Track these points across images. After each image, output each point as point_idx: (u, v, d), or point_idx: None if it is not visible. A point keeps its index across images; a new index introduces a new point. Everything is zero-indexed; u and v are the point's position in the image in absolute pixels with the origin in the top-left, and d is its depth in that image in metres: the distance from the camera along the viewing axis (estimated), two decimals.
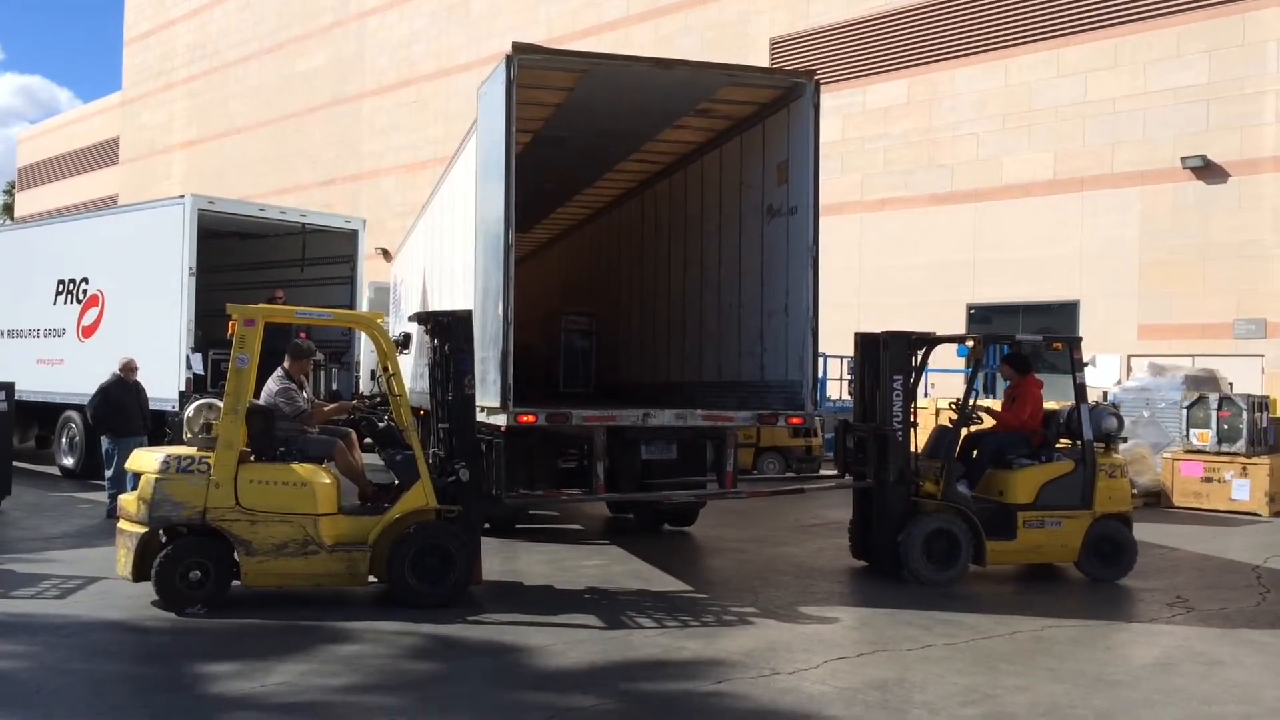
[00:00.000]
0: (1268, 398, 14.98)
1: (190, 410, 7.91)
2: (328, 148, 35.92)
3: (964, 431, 9.36)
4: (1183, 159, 18.25)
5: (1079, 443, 9.21)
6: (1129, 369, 18.12)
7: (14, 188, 62.64)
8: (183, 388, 13.26)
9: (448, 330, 7.95)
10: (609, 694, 5.84)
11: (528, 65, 8.46)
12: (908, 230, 21.53)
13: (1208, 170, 18.16)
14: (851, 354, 9.99)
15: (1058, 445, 9.44)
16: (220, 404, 7.67)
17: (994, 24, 20.79)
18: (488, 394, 8.37)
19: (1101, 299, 19.11)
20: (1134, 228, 18.97)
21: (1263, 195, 17.77)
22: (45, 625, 7.05)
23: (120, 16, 47.51)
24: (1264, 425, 14.01)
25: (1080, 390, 9.27)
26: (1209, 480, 13.91)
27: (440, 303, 11.04)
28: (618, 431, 9.04)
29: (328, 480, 7.68)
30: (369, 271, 18.38)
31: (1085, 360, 9.63)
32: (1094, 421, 9.20)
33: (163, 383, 13.09)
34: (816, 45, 23.15)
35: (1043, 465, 9.16)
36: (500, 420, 8.37)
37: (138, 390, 12.11)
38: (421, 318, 8.31)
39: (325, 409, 8.72)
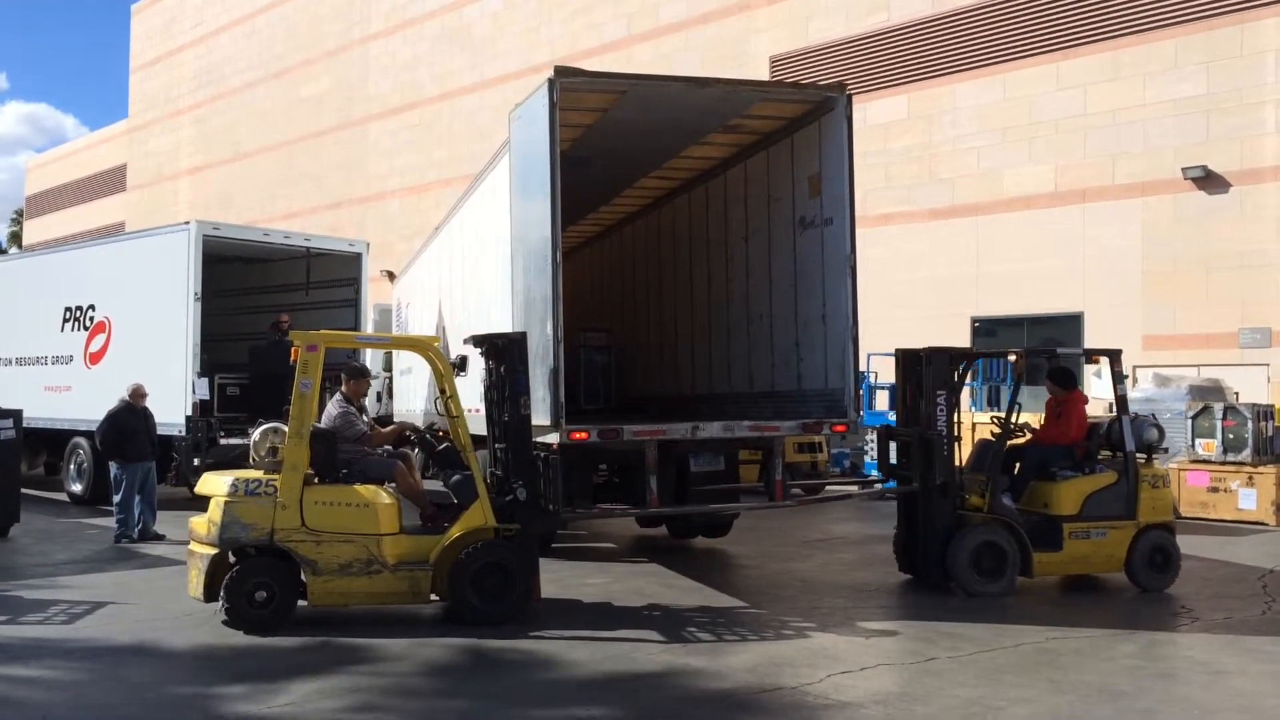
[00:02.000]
0: (1273, 406, 14.94)
1: (256, 434, 8.12)
2: (334, 171, 36.13)
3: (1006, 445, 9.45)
4: (1184, 169, 18.26)
5: (1117, 454, 9.33)
6: (1134, 379, 18.08)
7: (22, 216, 63.04)
8: (189, 412, 13.34)
9: (503, 352, 8.09)
10: (612, 707, 5.87)
11: (568, 88, 8.57)
12: (910, 245, 21.56)
13: (1209, 180, 18.18)
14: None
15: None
16: (285, 428, 7.87)
17: (992, 38, 20.88)
18: (537, 412, 8.41)
19: (1105, 310, 19.11)
20: (1136, 239, 18.97)
21: (1265, 205, 17.77)
22: (53, 650, 7.10)
23: (125, 44, 47.99)
24: (1270, 434, 13.98)
25: (1121, 402, 9.40)
26: (1215, 490, 13.89)
27: (468, 323, 11.08)
28: (665, 445, 9.08)
29: (389, 501, 7.87)
30: (374, 294, 18.48)
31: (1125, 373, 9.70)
32: (1135, 433, 9.32)
33: (169, 408, 13.17)
34: (817, 62, 23.26)
35: (1086, 477, 9.26)
36: (553, 438, 8.42)
37: (146, 416, 12.18)
38: (477, 340, 8.40)
39: (384, 431, 8.88)
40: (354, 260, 15.83)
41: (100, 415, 12.11)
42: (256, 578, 7.58)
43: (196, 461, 13.26)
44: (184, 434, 13.32)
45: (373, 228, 32.46)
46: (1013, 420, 9.43)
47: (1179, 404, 14.62)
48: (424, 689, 6.39)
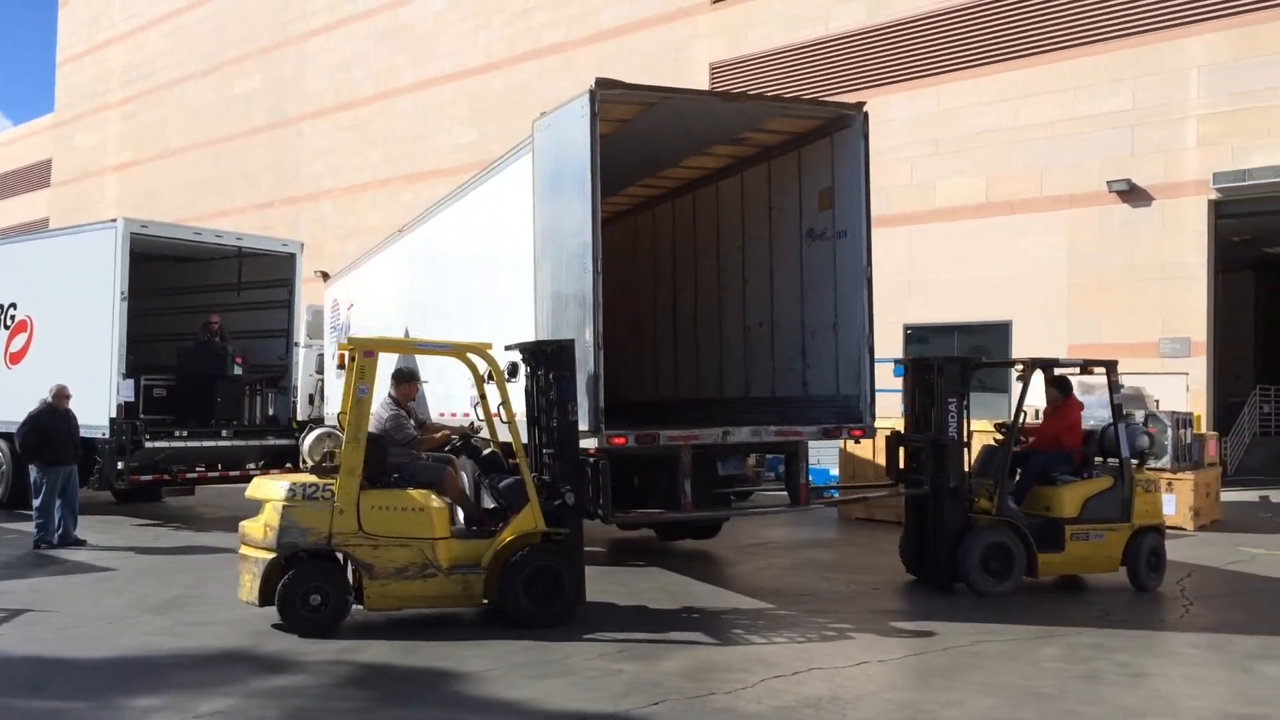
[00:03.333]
0: (1192, 414, 15.37)
1: (311, 439, 8.13)
2: (266, 171, 35.57)
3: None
4: (1108, 183, 18.74)
5: (1107, 460, 9.83)
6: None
7: None
8: (113, 415, 13.01)
9: (550, 359, 8.19)
10: (533, 717, 5.85)
11: (606, 99, 8.66)
12: None
13: (1132, 194, 18.67)
14: None
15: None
16: (339, 433, 7.94)
17: (926, 51, 21.23)
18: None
19: (1032, 319, 19.52)
20: (1063, 250, 19.42)
21: (1185, 218, 18.30)
22: None
23: (51, 36, 46.75)
24: (1188, 441, 14.37)
25: (1117, 410, 9.91)
26: None
27: (466, 329, 10.92)
28: (695, 450, 9.23)
29: (440, 505, 7.96)
30: (308, 295, 18.20)
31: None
32: (1128, 439, 9.77)
33: (93, 410, 12.83)
34: (755, 70, 23.46)
35: (1085, 481, 9.70)
36: (591, 443, 8.50)
37: (68, 418, 11.88)
38: (522, 347, 8.47)
39: (434, 436, 8.88)
40: (288, 261, 15.56)
41: (20, 417, 11.79)
42: (311, 582, 7.59)
43: (120, 465, 12.94)
44: (108, 437, 13.00)
45: (306, 228, 32.00)
46: (1018, 425, 9.84)
47: (1102, 411, 14.93)
48: (354, 695, 6.30)
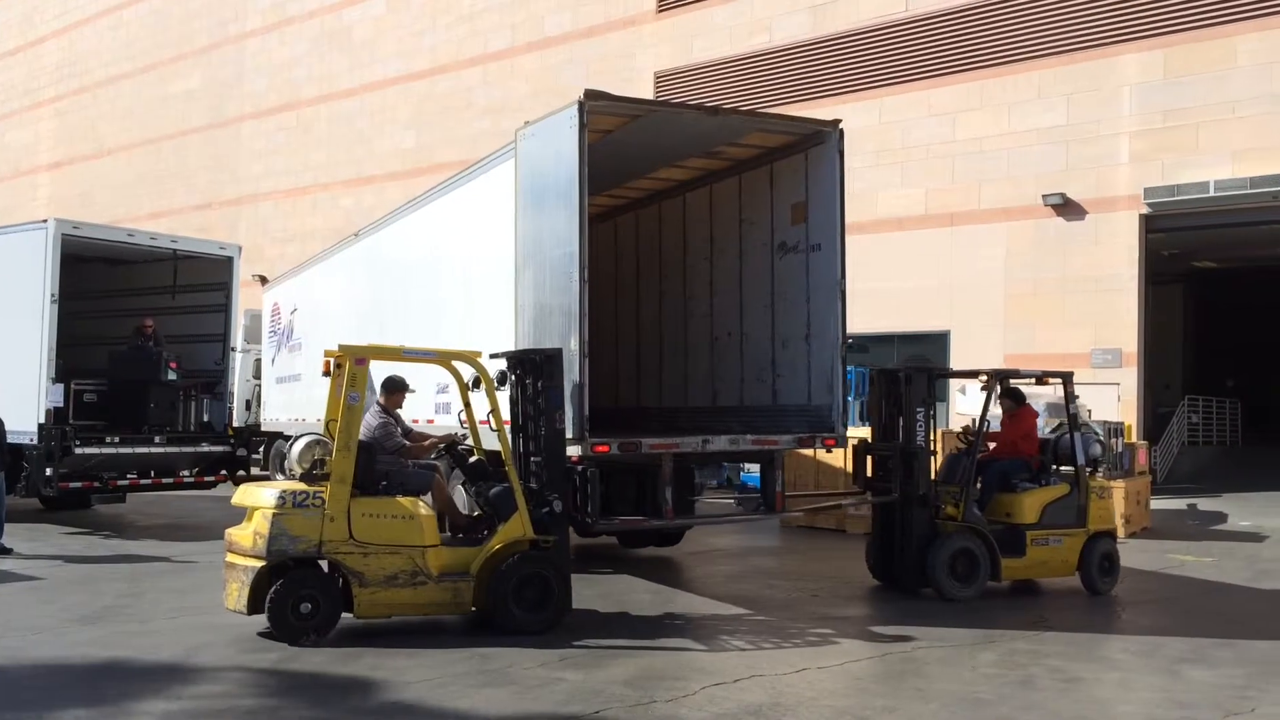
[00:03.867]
0: (1123, 424, 15.72)
1: (299, 446, 8.02)
2: (204, 171, 34.97)
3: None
4: (1044, 196, 19.11)
5: (1059, 467, 10.14)
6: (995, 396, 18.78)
7: None
8: (42, 420, 12.70)
9: (539, 368, 8.19)
10: None
11: (593, 110, 8.69)
12: None
13: (1067, 207, 19.06)
14: None
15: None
16: (327, 440, 7.89)
17: (869, 64, 21.50)
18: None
19: (970, 329, 19.83)
20: (1000, 261, 19.76)
21: (1117, 232, 18.72)
22: None
23: None
24: (1119, 450, 14.70)
25: (1073, 420, 10.23)
26: None
27: (434, 335, 10.81)
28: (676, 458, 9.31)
29: (429, 513, 7.97)
30: (245, 299, 17.91)
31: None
32: (1083, 447, 10.10)
33: (21, 415, 12.50)
34: (699, 80, 23.58)
35: (1043, 488, 9.99)
36: (575, 450, 8.54)
37: None
38: (509, 356, 8.46)
39: (423, 444, 8.84)
40: (225, 264, 15.29)
41: None
42: (302, 589, 7.51)
43: (49, 472, 12.63)
44: (36, 442, 12.68)
45: (245, 230, 31.51)
46: (982, 433, 10.07)
47: (1037, 421, 15.21)
48: (288, 705, 6.20)
